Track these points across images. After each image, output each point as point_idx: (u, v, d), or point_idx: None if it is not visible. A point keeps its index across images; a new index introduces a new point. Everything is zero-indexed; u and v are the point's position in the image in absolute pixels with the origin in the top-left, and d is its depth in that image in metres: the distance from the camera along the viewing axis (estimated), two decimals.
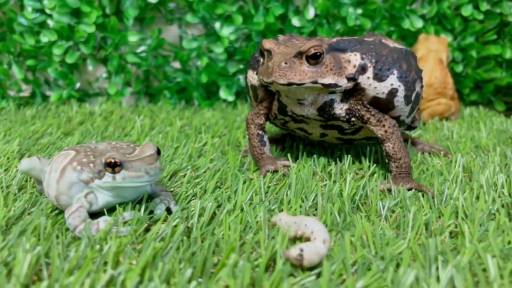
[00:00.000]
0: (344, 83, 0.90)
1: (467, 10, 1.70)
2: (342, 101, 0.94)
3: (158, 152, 0.74)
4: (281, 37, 0.96)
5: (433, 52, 1.61)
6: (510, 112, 1.80)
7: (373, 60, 0.91)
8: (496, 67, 1.77)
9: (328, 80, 0.87)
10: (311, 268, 0.61)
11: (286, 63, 0.85)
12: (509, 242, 0.68)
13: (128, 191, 0.74)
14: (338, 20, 1.74)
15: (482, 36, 1.77)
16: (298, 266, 0.60)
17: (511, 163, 1.02)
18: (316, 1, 1.71)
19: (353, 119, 0.96)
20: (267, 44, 0.90)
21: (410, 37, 1.78)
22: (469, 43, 1.77)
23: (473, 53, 1.78)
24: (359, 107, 0.94)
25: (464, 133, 1.38)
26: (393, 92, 0.93)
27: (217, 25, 1.74)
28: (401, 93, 0.94)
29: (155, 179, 0.72)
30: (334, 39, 0.92)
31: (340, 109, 0.95)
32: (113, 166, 0.69)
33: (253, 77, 1.04)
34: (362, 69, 0.91)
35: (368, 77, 0.91)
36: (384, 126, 0.94)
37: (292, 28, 1.73)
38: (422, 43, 1.66)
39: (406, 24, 1.73)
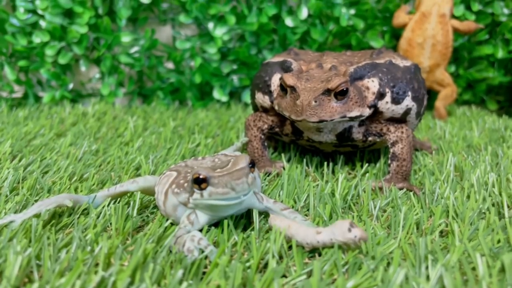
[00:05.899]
0: (367, 112, 0.92)
1: (459, 10, 1.71)
2: (360, 125, 0.97)
3: (252, 164, 0.69)
4: (294, 64, 0.96)
5: (437, 6, 1.62)
6: (502, 111, 1.82)
7: (391, 85, 0.94)
8: (488, 67, 1.79)
9: (354, 113, 0.90)
10: (302, 268, 0.61)
11: (315, 101, 0.85)
12: (498, 241, 0.69)
13: (222, 209, 0.69)
14: (331, 20, 1.74)
15: (474, 36, 1.78)
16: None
17: (502, 162, 1.03)
18: (309, 1, 1.71)
19: (370, 138, 0.98)
20: (290, 80, 0.88)
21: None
22: (461, 43, 1.78)
23: (465, 53, 1.79)
24: (375, 124, 0.98)
25: (456, 132, 1.39)
26: (407, 112, 0.98)
27: (210, 25, 1.74)
28: (413, 110, 0.99)
29: (243, 195, 0.67)
30: (351, 69, 0.92)
31: (357, 133, 0.98)
32: (199, 183, 0.65)
33: (263, 100, 1.04)
34: (381, 95, 0.93)
35: (387, 102, 0.94)
36: (402, 127, 0.97)
37: (285, 28, 1.74)
38: None
39: None
